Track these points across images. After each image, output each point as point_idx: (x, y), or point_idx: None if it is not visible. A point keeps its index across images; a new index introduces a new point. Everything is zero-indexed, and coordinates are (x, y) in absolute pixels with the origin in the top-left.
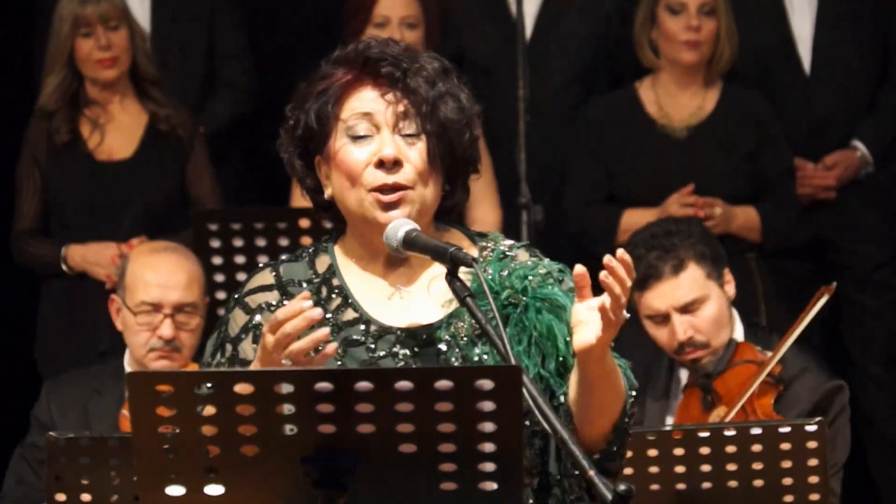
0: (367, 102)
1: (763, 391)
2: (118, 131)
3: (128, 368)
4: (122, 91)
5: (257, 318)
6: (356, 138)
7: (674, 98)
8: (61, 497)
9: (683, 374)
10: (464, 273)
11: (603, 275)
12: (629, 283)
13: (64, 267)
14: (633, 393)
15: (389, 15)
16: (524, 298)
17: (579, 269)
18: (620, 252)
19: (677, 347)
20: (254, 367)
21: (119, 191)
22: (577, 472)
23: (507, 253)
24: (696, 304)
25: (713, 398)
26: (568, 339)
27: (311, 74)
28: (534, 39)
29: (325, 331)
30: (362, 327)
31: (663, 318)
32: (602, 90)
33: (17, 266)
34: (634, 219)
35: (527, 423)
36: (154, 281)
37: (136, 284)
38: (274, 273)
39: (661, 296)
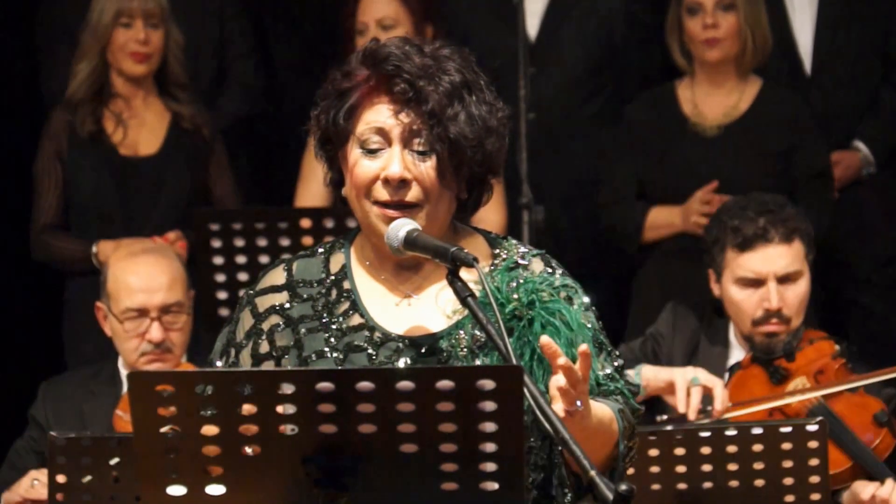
0: (381, 117)
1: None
2: (142, 127)
3: (122, 370)
4: (146, 88)
5: (261, 324)
6: (368, 151)
7: (709, 97)
8: (62, 497)
9: (737, 353)
10: (472, 280)
11: (557, 382)
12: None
13: (94, 262)
14: (633, 427)
15: (367, 21)
16: (530, 312)
17: (544, 340)
18: (583, 347)
19: (762, 315)
20: None
21: (144, 186)
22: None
23: (520, 262)
24: (794, 278)
25: (784, 372)
26: (574, 352)
27: (333, 67)
28: (539, 39)
29: None
30: (366, 334)
31: (757, 283)
32: (608, 91)
33: (36, 261)
34: (660, 216)
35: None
36: (137, 286)
37: (118, 291)
38: (286, 272)
39: (766, 260)
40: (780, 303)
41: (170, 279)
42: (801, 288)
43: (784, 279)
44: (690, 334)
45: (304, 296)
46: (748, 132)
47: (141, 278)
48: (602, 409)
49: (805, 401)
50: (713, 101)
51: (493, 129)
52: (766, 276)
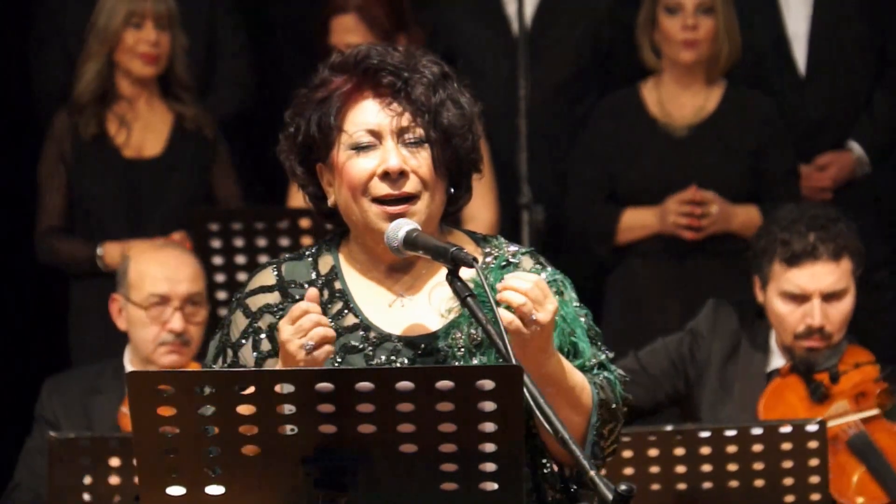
0: (370, 114)
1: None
2: (146, 129)
3: (128, 367)
4: (150, 89)
5: (257, 323)
6: (360, 150)
7: (676, 98)
8: (62, 497)
9: (776, 359)
10: (467, 279)
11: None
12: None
13: (99, 265)
14: (613, 406)
15: (337, 43)
16: None
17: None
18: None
19: (804, 331)
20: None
21: (148, 188)
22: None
23: (511, 260)
24: (839, 296)
25: (826, 392)
26: (566, 349)
27: (309, 79)
28: (530, 40)
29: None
30: (361, 333)
31: (802, 299)
32: (597, 92)
33: (41, 264)
34: (634, 218)
35: None
36: (162, 274)
37: (142, 279)
38: (276, 272)
39: (813, 276)
40: (823, 320)
41: (193, 271)
42: (845, 305)
43: (829, 296)
44: (731, 335)
45: (296, 296)
46: (718, 132)
47: (166, 268)
48: (573, 369)
49: (845, 427)
50: (681, 102)
51: (474, 119)
52: (812, 293)
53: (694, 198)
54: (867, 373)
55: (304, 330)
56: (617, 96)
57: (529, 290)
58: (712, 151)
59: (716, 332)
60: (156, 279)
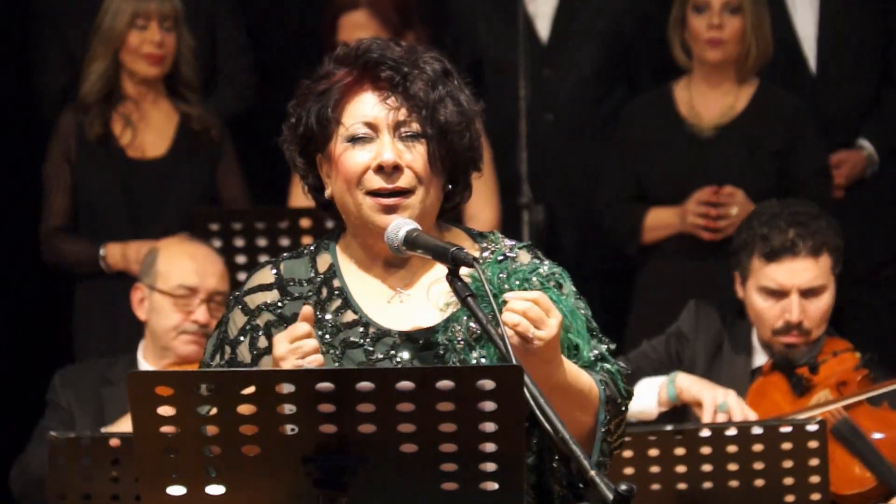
0: (367, 107)
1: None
2: (150, 129)
3: (142, 361)
4: (156, 90)
5: (255, 320)
6: (356, 142)
7: (705, 97)
8: (62, 497)
9: (760, 357)
10: (465, 274)
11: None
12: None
13: (102, 265)
14: (618, 401)
15: (346, 40)
16: None
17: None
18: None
19: (782, 326)
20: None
21: (152, 188)
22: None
23: (508, 254)
24: (818, 292)
25: (807, 384)
26: (565, 344)
27: (313, 71)
28: (552, 38)
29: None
30: (361, 329)
31: (780, 294)
32: (624, 88)
33: (46, 264)
34: (659, 217)
35: None
36: (192, 267)
37: (171, 270)
38: (274, 271)
39: (791, 272)
40: (801, 316)
41: (221, 269)
42: (823, 302)
43: (808, 293)
44: (713, 335)
45: (295, 294)
46: (745, 132)
47: (197, 262)
48: (580, 372)
49: (828, 415)
50: (710, 102)
51: (474, 117)
52: (790, 289)
53: (710, 198)
54: (846, 361)
55: (303, 353)
56: (649, 95)
57: (528, 309)
58: (738, 152)
59: (699, 332)
60: (186, 271)
